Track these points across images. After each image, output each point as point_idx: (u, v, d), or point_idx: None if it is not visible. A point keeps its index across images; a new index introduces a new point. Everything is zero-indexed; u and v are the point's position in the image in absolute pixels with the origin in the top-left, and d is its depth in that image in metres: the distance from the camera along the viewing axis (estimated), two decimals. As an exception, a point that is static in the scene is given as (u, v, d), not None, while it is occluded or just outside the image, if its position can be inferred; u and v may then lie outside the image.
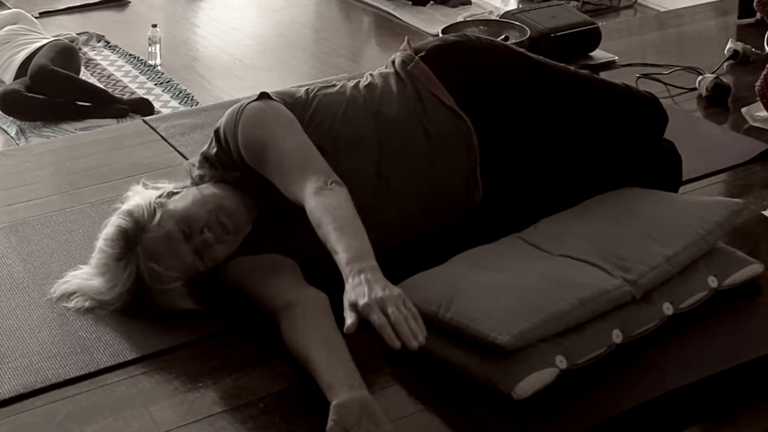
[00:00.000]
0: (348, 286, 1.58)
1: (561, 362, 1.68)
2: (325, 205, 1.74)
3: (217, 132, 2.00)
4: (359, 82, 2.10)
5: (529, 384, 1.64)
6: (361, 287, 1.55)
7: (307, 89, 2.06)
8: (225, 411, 1.69)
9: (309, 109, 1.99)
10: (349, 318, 1.53)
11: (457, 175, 2.01)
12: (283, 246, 1.94)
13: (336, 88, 2.07)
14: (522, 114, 2.05)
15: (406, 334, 1.51)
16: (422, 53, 2.10)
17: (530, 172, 2.06)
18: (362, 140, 1.96)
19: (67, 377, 1.77)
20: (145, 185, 2.02)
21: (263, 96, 1.97)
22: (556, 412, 1.65)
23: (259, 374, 1.77)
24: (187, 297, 1.89)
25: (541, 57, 2.17)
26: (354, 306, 1.54)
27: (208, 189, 1.96)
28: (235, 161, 1.95)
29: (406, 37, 2.23)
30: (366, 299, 1.53)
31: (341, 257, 1.63)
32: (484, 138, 2.01)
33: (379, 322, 1.51)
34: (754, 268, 1.97)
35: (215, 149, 2.00)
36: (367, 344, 1.70)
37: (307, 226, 1.76)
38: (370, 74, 2.13)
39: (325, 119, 1.98)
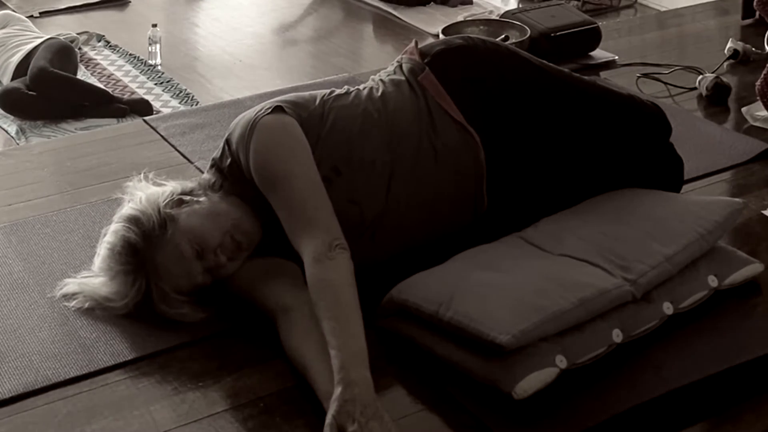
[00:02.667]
0: (337, 396, 1.56)
1: (561, 362, 1.68)
2: (325, 281, 1.72)
3: (228, 143, 1.96)
4: (372, 90, 2.04)
5: (529, 383, 1.64)
6: (350, 412, 1.53)
7: (322, 98, 2.00)
8: (225, 411, 1.69)
9: (325, 126, 1.95)
10: None
11: (463, 189, 2.00)
12: (286, 249, 1.91)
13: (350, 98, 2.02)
14: (526, 124, 2.04)
15: None
16: (428, 59, 2.06)
17: (534, 179, 2.05)
18: (376, 162, 1.94)
19: (67, 377, 1.77)
20: (146, 178, 1.99)
21: (277, 109, 1.92)
22: (556, 412, 1.65)
23: (259, 374, 1.77)
24: (192, 309, 1.88)
25: (544, 61, 2.15)
26: (341, 429, 1.53)
27: (222, 205, 1.92)
28: (248, 178, 1.91)
29: (414, 40, 2.18)
30: (355, 428, 1.52)
31: (335, 356, 1.62)
32: (490, 149, 1.99)
33: None
34: (754, 267, 1.97)
35: (228, 160, 1.96)
36: (367, 344, 1.69)
37: None
38: (381, 81, 2.08)
39: (341, 138, 1.94)
